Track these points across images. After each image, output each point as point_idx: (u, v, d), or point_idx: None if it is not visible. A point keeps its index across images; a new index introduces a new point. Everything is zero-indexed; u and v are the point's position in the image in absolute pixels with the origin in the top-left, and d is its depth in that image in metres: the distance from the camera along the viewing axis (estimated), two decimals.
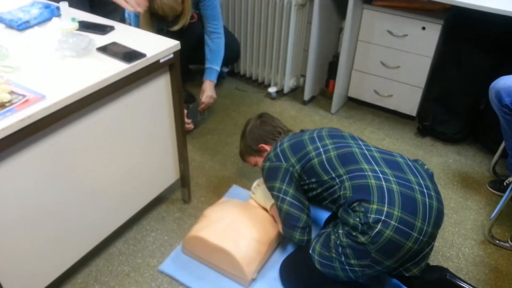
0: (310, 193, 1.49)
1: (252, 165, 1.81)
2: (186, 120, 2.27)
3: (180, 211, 1.85)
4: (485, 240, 1.78)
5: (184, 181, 1.82)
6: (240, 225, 1.55)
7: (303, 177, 1.47)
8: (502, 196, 1.76)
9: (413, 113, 2.46)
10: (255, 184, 1.79)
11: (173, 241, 1.71)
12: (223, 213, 1.60)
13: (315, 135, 1.52)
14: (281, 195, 1.47)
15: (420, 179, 1.36)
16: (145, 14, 2.00)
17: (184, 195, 1.88)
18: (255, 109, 2.60)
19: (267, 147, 1.68)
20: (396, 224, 1.25)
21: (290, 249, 1.66)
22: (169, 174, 1.75)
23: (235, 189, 1.98)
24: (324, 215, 1.79)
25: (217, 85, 2.38)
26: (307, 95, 2.65)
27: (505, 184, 1.99)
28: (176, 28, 2.11)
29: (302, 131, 1.68)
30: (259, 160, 1.73)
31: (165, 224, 1.79)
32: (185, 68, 2.75)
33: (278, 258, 1.61)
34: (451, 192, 2.02)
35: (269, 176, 1.52)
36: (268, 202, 1.64)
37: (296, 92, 2.78)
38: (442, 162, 2.21)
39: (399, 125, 2.50)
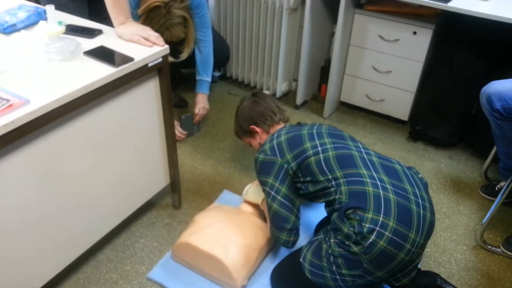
0: (302, 191, 1.46)
1: (246, 144, 1.80)
2: (180, 130, 2.26)
3: (170, 217, 1.83)
4: (477, 245, 1.77)
5: (174, 186, 1.80)
6: (230, 231, 1.53)
7: (298, 174, 1.44)
8: (494, 201, 1.76)
9: (405, 117, 2.46)
10: (246, 189, 1.77)
11: (163, 247, 1.69)
12: (213, 219, 1.58)
13: (314, 131, 1.48)
14: (272, 193, 1.44)
15: (416, 189, 1.34)
16: None
17: (174, 200, 1.86)
18: None
19: (258, 129, 1.67)
20: (390, 235, 1.23)
21: (281, 255, 1.64)
22: (159, 179, 1.73)
23: (226, 194, 1.96)
24: (315, 219, 1.78)
25: (209, 90, 2.37)
26: (299, 100, 2.64)
27: (496, 189, 1.99)
28: (184, 56, 2.13)
29: (299, 124, 1.66)
30: (252, 141, 1.73)
31: (155, 230, 1.77)
32: (177, 72, 2.73)
33: (269, 264, 1.60)
34: (443, 197, 2.01)
35: (263, 170, 1.47)
36: (260, 197, 1.63)
37: (288, 97, 2.77)
38: (434, 167, 2.20)
39: (391, 129, 2.49)
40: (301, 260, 1.38)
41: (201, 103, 2.32)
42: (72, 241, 1.43)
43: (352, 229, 1.25)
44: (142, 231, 1.76)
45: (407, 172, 1.40)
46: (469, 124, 2.31)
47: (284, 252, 1.65)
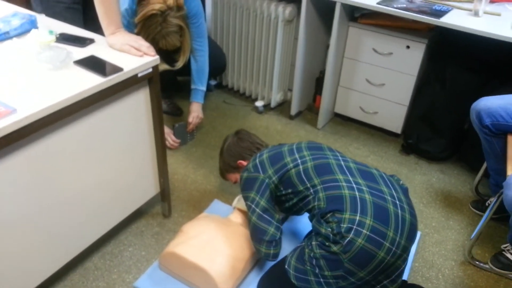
0: (286, 204, 1.48)
1: (233, 182, 1.80)
2: (174, 138, 2.27)
3: (160, 226, 1.83)
4: (465, 261, 1.77)
5: (164, 195, 1.80)
6: (217, 241, 1.53)
7: (279, 187, 1.47)
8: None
9: (398, 130, 2.46)
10: (236, 199, 1.78)
11: (150, 256, 1.69)
12: (201, 229, 1.58)
13: (294, 147, 1.54)
14: (252, 206, 1.47)
15: (393, 191, 1.37)
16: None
17: (164, 209, 1.86)
18: (241, 122, 2.59)
19: (245, 163, 1.67)
20: (367, 232, 1.25)
21: (268, 265, 1.64)
22: (148, 188, 1.73)
23: (217, 203, 1.96)
24: (304, 230, 1.78)
25: (205, 98, 2.38)
26: (293, 110, 2.65)
27: (487, 204, 1.99)
28: (179, 65, 2.14)
29: (280, 144, 1.69)
30: (239, 177, 1.72)
31: (143, 239, 1.77)
32: (173, 80, 2.75)
33: (257, 275, 1.59)
34: (433, 211, 2.01)
35: (246, 187, 1.51)
36: None
37: (283, 106, 2.78)
38: (426, 181, 2.21)
39: (384, 142, 2.50)
40: (286, 267, 1.39)
41: (195, 112, 2.33)
42: (59, 248, 1.43)
43: (330, 230, 1.28)
44: (130, 239, 1.76)
45: (384, 176, 1.44)
46: (462, 138, 2.31)
47: (271, 263, 1.65)
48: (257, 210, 1.45)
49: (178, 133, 2.29)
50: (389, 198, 1.33)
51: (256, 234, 1.47)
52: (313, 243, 1.33)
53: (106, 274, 1.61)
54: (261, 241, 1.46)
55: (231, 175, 1.78)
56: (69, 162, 1.33)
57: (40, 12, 1.71)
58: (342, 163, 1.45)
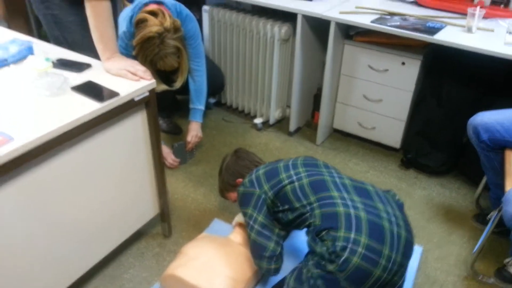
0: (284, 219, 1.49)
1: (233, 200, 1.80)
2: (173, 158, 2.28)
3: (160, 247, 1.83)
4: (467, 276, 1.75)
5: (163, 216, 1.80)
6: (216, 263, 1.52)
7: (276, 203, 1.48)
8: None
9: (397, 145, 2.47)
10: (236, 218, 1.78)
11: (151, 278, 1.68)
12: (200, 250, 1.58)
13: (290, 163, 1.55)
14: (251, 222, 1.49)
15: (389, 207, 1.37)
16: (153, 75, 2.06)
17: (164, 230, 1.86)
18: (240, 140, 2.60)
19: None
20: (363, 251, 1.25)
21: (269, 286, 1.63)
22: (148, 209, 1.74)
23: (217, 223, 1.96)
24: (305, 247, 1.77)
25: (204, 116, 2.40)
26: (292, 127, 2.66)
27: (487, 218, 1.98)
28: (177, 85, 2.16)
29: (277, 160, 1.69)
30: None
31: (144, 260, 1.76)
32: (172, 99, 2.77)
33: None
34: (435, 227, 2.00)
35: (243, 202, 1.53)
36: None
37: (282, 123, 2.79)
38: (426, 195, 2.20)
39: (383, 157, 2.50)
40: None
41: (193, 131, 2.34)
42: (60, 272, 1.43)
43: (325, 248, 1.29)
44: (131, 261, 1.76)
45: (379, 193, 1.44)
46: (461, 152, 2.31)
47: (272, 283, 1.64)
48: (256, 226, 1.47)
49: (178, 153, 2.30)
50: (384, 215, 1.33)
51: (256, 250, 1.48)
52: (310, 262, 1.33)
53: None
54: (261, 257, 1.46)
55: (231, 194, 1.79)
56: (67, 187, 1.34)
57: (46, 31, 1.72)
58: (337, 180, 1.46)
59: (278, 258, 1.47)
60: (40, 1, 1.62)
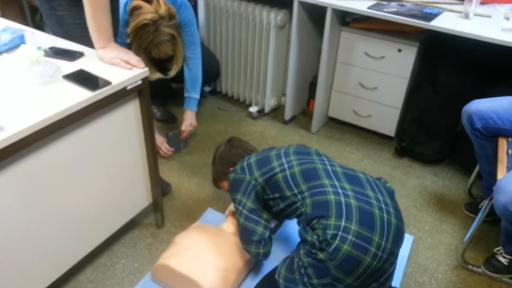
0: (274, 209, 1.50)
1: (226, 190, 1.80)
2: (167, 147, 2.28)
3: (153, 237, 1.83)
4: (458, 265, 1.77)
5: (156, 206, 1.80)
6: (208, 253, 1.53)
7: (267, 191, 1.49)
8: None
9: (392, 133, 2.47)
10: (229, 208, 1.79)
11: (143, 268, 1.69)
12: (193, 240, 1.59)
13: (282, 151, 1.55)
14: (240, 208, 1.50)
15: (379, 195, 1.38)
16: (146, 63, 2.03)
17: (157, 219, 1.86)
18: (236, 129, 2.60)
19: None
20: (353, 238, 1.26)
21: (261, 275, 1.64)
22: (141, 199, 1.74)
23: (210, 212, 1.96)
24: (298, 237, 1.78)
25: (199, 104, 2.39)
26: (287, 115, 2.65)
27: (480, 207, 1.99)
28: (172, 73, 2.14)
29: (269, 148, 1.70)
30: None
31: (136, 250, 1.77)
32: (168, 88, 2.75)
33: (249, 286, 1.60)
34: (427, 215, 2.02)
35: (233, 188, 1.54)
36: None
37: (277, 111, 2.78)
38: (419, 184, 2.21)
39: (378, 145, 2.50)
40: (276, 277, 1.41)
41: (188, 120, 2.33)
42: (52, 262, 1.43)
43: (316, 237, 1.30)
44: (123, 251, 1.76)
45: (370, 180, 1.45)
46: (455, 140, 2.32)
47: (264, 272, 1.65)
48: (244, 211, 1.48)
49: (172, 142, 2.30)
50: (374, 202, 1.34)
51: (245, 235, 1.49)
52: (301, 251, 1.35)
53: (99, 287, 1.62)
54: (250, 241, 1.47)
55: (224, 183, 1.78)
56: (59, 177, 1.34)
57: (51, 30, 1.68)
58: (329, 167, 1.47)
59: (267, 242, 1.49)
60: (45, 0, 1.58)
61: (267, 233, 1.48)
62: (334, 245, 1.26)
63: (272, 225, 1.66)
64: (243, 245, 1.52)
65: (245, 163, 1.55)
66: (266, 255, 1.50)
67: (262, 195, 1.50)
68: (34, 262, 1.36)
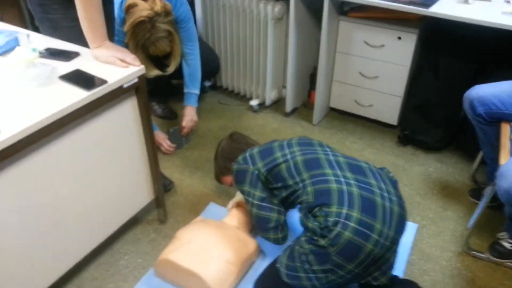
0: (278, 197, 1.50)
1: (228, 184, 1.81)
2: (169, 143, 2.28)
3: (156, 232, 1.85)
4: (462, 251, 1.76)
5: (158, 202, 1.81)
6: (211, 246, 1.54)
7: (270, 180, 1.49)
8: None
9: (394, 122, 2.45)
10: (231, 202, 1.79)
11: (147, 263, 1.71)
12: (195, 234, 1.60)
13: (285, 143, 1.56)
14: (250, 199, 1.50)
15: (381, 183, 1.38)
16: (144, 61, 2.02)
17: (160, 215, 1.87)
18: (237, 123, 2.60)
19: None
20: (355, 225, 1.26)
21: (264, 267, 1.65)
22: (142, 195, 1.75)
23: (212, 206, 1.97)
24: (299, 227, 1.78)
25: (200, 99, 2.38)
26: (288, 107, 2.64)
27: (483, 192, 1.97)
28: (171, 70, 2.14)
29: (272, 141, 1.70)
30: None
31: (140, 246, 1.78)
32: (167, 84, 2.75)
33: (253, 277, 1.60)
34: (431, 203, 2.00)
35: (238, 179, 1.55)
36: None
37: (278, 104, 2.78)
38: (423, 171, 2.20)
39: (380, 134, 2.49)
40: (277, 265, 1.42)
41: (189, 116, 2.33)
42: (55, 260, 1.45)
43: (317, 224, 1.30)
44: (127, 247, 1.78)
45: (373, 169, 1.45)
46: (458, 127, 2.29)
47: (266, 264, 1.65)
48: (255, 201, 1.49)
49: (173, 138, 2.30)
50: (377, 190, 1.34)
51: (261, 224, 1.50)
52: (302, 239, 1.36)
53: (103, 283, 1.63)
54: (267, 229, 1.49)
55: (227, 178, 1.79)
56: (59, 177, 1.35)
57: (45, 31, 1.67)
58: (332, 157, 1.47)
59: (283, 226, 1.51)
60: (37, 4, 1.58)
61: (283, 217, 1.50)
62: (336, 231, 1.26)
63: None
64: (260, 234, 1.54)
65: (247, 154, 1.56)
66: (285, 238, 1.52)
67: (266, 184, 1.51)
68: (36, 261, 1.38)
